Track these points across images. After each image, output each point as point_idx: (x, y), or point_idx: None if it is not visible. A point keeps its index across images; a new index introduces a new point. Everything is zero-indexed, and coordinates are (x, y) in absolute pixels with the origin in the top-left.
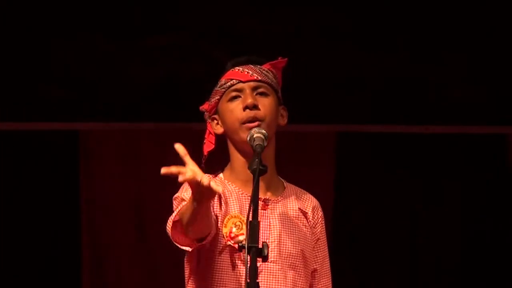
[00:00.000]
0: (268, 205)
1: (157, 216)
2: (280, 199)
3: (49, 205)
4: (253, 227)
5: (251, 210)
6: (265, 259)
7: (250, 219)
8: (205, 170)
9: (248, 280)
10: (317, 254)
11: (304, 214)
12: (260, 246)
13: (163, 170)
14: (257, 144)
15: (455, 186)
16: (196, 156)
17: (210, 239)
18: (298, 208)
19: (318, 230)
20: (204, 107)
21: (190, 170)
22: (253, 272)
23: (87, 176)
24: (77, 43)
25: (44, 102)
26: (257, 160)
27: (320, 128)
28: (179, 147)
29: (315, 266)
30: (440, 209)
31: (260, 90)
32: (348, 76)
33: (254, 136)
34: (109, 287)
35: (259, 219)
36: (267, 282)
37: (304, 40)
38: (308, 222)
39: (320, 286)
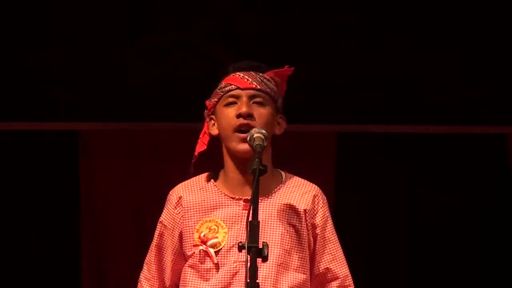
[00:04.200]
0: (248, 205)
1: (157, 216)
2: (267, 199)
3: (49, 205)
4: (253, 227)
5: (251, 210)
6: (265, 259)
7: (250, 219)
8: (194, 172)
9: (248, 280)
10: (324, 250)
11: (295, 210)
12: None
13: None
14: (257, 144)
15: (455, 186)
16: (197, 157)
17: None
18: (290, 204)
19: (319, 219)
20: (207, 103)
21: None
22: (253, 272)
23: (87, 176)
24: (77, 43)
25: (44, 102)
26: (257, 160)
27: (320, 128)
28: None
29: (326, 266)
30: (440, 209)
31: (258, 99)
32: (348, 76)
33: (254, 136)
34: (109, 287)
35: (240, 220)
36: (243, 282)
37: (304, 40)
38: (299, 217)
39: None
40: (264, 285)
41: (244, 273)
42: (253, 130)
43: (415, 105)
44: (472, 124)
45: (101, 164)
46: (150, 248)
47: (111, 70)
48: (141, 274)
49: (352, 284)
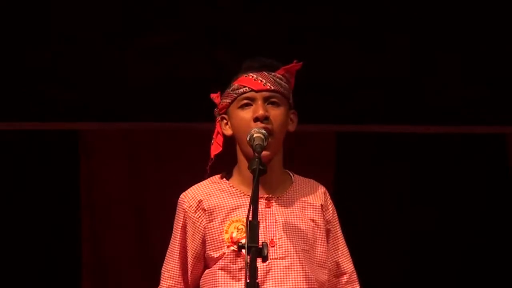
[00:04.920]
0: (271, 202)
1: (158, 216)
2: (285, 195)
3: (49, 205)
4: (253, 227)
5: (251, 210)
6: (265, 259)
7: (250, 219)
8: (210, 174)
9: (248, 280)
10: (334, 245)
11: (313, 206)
12: (260, 246)
13: None
14: (257, 144)
15: (455, 186)
16: (198, 157)
17: None
18: (307, 201)
19: (330, 215)
20: (215, 100)
21: None
22: (253, 272)
23: (87, 176)
24: (77, 43)
25: (44, 102)
26: (257, 160)
27: (320, 128)
28: None
29: (336, 260)
30: (440, 209)
31: (272, 100)
32: (348, 76)
33: (254, 136)
34: (109, 286)
35: (264, 218)
36: (277, 279)
37: (304, 40)
38: (318, 212)
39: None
40: (297, 281)
41: (277, 271)
42: (253, 130)
43: (415, 105)
44: (472, 124)
45: (101, 164)
46: (170, 256)
47: (111, 70)
48: (161, 282)
49: (357, 279)
